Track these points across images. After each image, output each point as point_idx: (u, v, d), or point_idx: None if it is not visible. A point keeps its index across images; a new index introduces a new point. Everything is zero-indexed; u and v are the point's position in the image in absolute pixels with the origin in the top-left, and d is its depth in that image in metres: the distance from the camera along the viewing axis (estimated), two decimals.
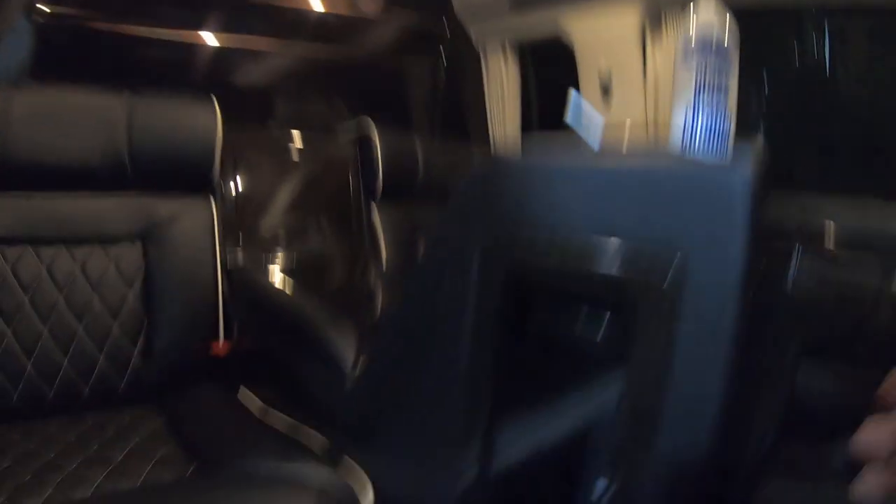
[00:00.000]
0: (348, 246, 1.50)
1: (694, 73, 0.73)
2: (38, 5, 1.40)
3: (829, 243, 1.03)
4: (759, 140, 0.42)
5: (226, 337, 1.14)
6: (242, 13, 1.66)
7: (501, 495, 0.57)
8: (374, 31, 1.90)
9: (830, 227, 1.04)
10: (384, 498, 0.71)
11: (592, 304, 0.51)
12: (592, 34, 1.66)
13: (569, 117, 0.84)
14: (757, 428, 0.50)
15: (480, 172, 0.56)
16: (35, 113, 0.99)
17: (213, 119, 1.12)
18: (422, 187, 1.61)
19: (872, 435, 0.33)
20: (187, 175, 1.13)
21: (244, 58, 1.74)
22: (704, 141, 0.69)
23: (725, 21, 0.75)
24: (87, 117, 1.03)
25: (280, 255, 1.43)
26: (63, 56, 1.44)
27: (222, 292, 1.14)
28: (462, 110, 2.18)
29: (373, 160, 1.53)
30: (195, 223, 1.13)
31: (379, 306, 1.19)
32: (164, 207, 1.10)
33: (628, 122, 1.60)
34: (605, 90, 1.67)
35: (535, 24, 1.82)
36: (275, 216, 1.44)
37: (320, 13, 1.80)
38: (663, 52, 1.52)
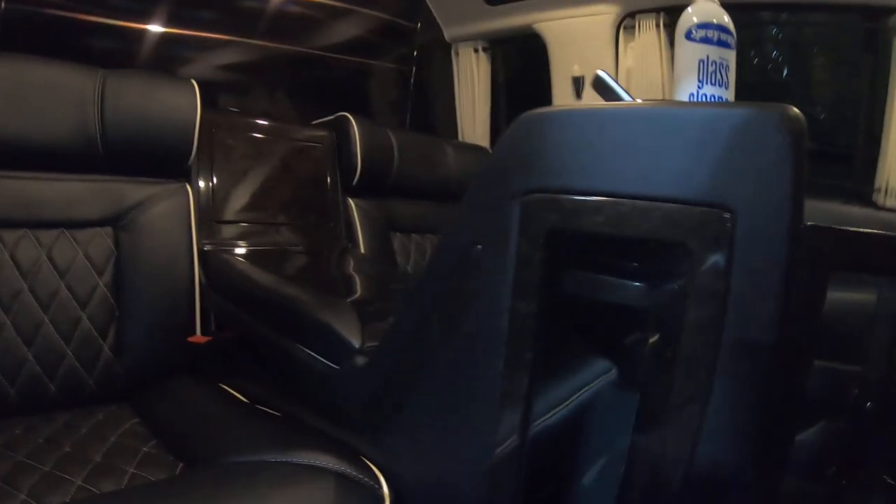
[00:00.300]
0: (325, 235, 1.48)
1: (696, 74, 0.76)
2: None
3: None
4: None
5: (203, 329, 1.09)
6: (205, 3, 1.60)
7: (532, 465, 0.56)
8: (347, 24, 1.88)
9: None
10: (399, 479, 0.69)
11: (640, 264, 0.51)
12: (565, 34, 1.71)
13: None
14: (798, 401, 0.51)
15: (524, 120, 0.54)
16: None
17: (193, 102, 1.07)
18: (396, 181, 1.61)
19: None
20: (163, 159, 1.07)
21: (209, 47, 1.67)
22: None
23: (724, 14, 0.79)
24: (55, 93, 0.96)
25: (256, 242, 1.38)
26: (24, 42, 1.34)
27: (199, 282, 1.09)
28: (432, 108, 2.19)
29: (351, 154, 1.52)
30: (170, 209, 1.07)
31: (360, 292, 1.17)
32: (138, 192, 1.04)
33: None
34: (578, 90, 1.71)
35: (508, 24, 1.85)
36: (251, 203, 1.40)
37: (287, 2, 1.76)
38: (636, 53, 1.57)
